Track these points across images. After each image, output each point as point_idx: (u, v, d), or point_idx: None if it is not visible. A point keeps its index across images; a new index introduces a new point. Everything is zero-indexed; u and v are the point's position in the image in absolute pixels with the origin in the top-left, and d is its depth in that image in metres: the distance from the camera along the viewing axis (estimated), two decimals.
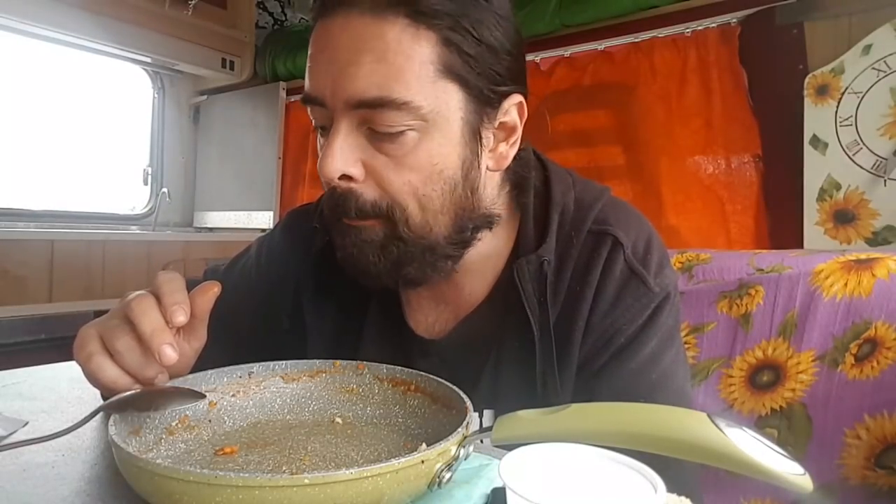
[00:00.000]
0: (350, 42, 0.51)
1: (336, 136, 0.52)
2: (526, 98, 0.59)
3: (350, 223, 0.55)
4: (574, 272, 0.58)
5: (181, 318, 0.49)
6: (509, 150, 0.59)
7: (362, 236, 0.55)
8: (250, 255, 0.78)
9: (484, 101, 0.54)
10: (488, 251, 0.62)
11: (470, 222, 0.57)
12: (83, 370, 0.51)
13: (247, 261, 0.78)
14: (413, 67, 0.50)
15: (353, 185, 0.53)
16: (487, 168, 0.58)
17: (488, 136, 0.57)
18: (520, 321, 0.58)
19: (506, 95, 0.56)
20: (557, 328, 0.57)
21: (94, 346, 0.49)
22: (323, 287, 0.67)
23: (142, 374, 0.49)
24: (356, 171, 0.53)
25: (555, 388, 0.57)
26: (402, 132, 0.51)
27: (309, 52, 0.55)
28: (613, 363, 0.57)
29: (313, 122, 0.57)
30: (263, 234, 0.81)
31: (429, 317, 0.65)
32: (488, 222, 0.60)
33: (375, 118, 0.51)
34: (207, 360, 0.60)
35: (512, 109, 0.57)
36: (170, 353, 0.47)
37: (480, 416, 0.59)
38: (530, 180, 0.63)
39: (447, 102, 0.52)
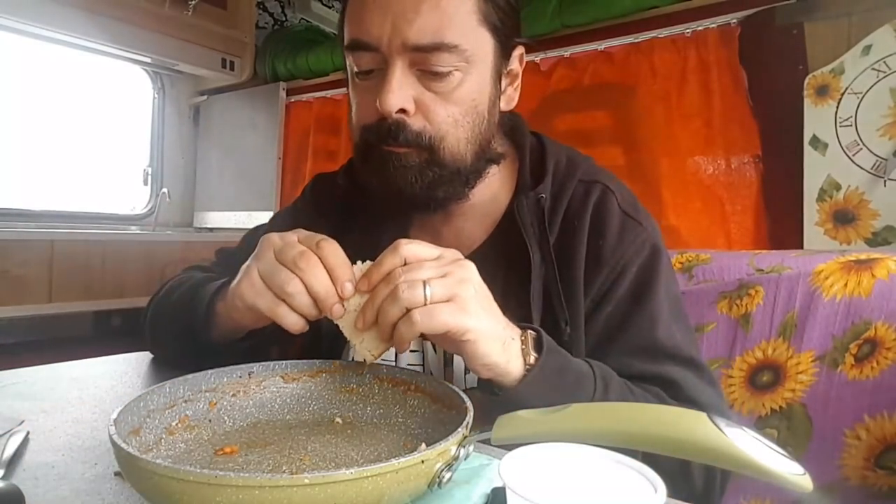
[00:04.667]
0: None
1: (393, 76, 0.59)
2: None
3: (392, 150, 0.62)
4: (567, 210, 0.67)
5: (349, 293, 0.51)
6: (514, 94, 0.69)
7: (403, 161, 0.62)
8: (284, 210, 0.88)
9: (505, 48, 0.65)
10: (488, 197, 0.70)
11: (486, 154, 0.66)
12: (263, 309, 0.53)
13: (283, 214, 0.87)
14: (461, 15, 0.59)
15: (404, 116, 0.61)
16: (499, 109, 0.67)
17: (504, 80, 0.67)
18: (521, 253, 0.64)
19: (514, 46, 0.66)
20: (557, 251, 0.64)
21: (269, 297, 0.52)
22: (345, 223, 0.76)
23: (311, 313, 0.52)
24: (410, 105, 0.60)
25: (560, 307, 0.62)
26: (449, 72, 0.60)
27: (353, 2, 0.62)
28: (628, 296, 0.63)
29: (355, 68, 0.63)
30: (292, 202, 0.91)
31: None
32: (497, 156, 0.69)
33: (428, 60, 0.59)
34: None
35: (516, 59, 0.68)
36: (339, 310, 0.52)
37: None
38: (524, 129, 0.72)
39: (483, 47, 0.62)
